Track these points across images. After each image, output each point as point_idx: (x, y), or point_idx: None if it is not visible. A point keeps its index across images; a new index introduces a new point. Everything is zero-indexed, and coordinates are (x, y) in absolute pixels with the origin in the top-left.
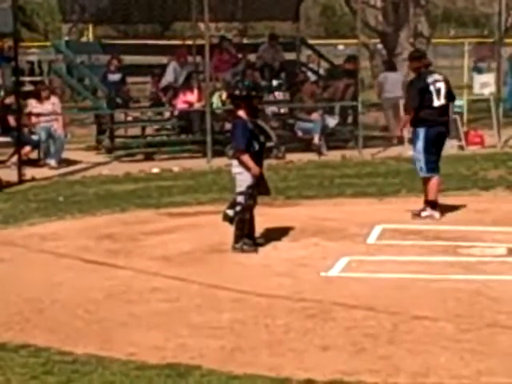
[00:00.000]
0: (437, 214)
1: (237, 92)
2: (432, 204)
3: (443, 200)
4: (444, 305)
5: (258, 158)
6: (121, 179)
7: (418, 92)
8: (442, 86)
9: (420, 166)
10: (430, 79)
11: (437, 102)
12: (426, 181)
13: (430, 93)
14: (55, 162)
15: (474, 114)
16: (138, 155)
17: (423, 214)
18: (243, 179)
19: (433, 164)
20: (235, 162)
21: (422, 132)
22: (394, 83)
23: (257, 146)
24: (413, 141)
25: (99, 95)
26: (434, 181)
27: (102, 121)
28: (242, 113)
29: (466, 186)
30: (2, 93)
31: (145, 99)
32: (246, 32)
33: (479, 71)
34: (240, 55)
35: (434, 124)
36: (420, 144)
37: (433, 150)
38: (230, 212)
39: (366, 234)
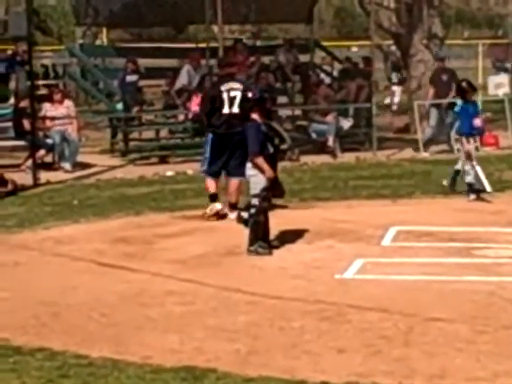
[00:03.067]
0: (219, 206)
1: (250, 95)
2: (232, 205)
3: (458, 201)
4: (459, 306)
5: (273, 161)
6: (135, 182)
7: (210, 99)
8: (237, 94)
9: (203, 166)
10: (224, 87)
11: (226, 110)
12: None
13: (222, 100)
14: (70, 166)
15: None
16: (152, 158)
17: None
18: (257, 182)
19: (214, 168)
20: (249, 165)
21: (209, 137)
22: None
23: (271, 149)
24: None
25: (116, 98)
26: (212, 181)
27: (117, 124)
28: (255, 115)
29: (480, 188)
30: (12, 98)
31: (159, 102)
32: (259, 34)
33: (505, 70)
34: (253, 58)
35: (221, 131)
36: (207, 148)
37: (219, 155)
38: (245, 214)
39: (380, 236)
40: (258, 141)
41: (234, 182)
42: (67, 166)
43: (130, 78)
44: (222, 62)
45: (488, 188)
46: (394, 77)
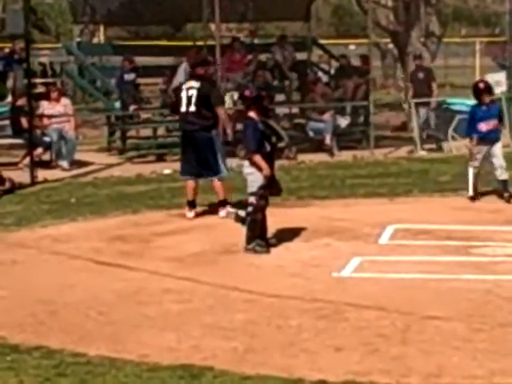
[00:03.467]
0: (190, 214)
1: (247, 93)
2: (190, 204)
3: (455, 199)
4: (456, 305)
5: (270, 159)
6: (132, 180)
7: (174, 97)
8: (194, 93)
9: (220, 167)
10: (184, 85)
11: (183, 108)
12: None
13: (180, 99)
14: (67, 164)
15: None
16: (149, 156)
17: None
18: (254, 180)
19: (185, 168)
20: (246, 163)
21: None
22: None
23: (268, 147)
24: None
25: (113, 96)
26: (190, 184)
27: (115, 122)
28: (252, 113)
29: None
30: (10, 97)
31: (156, 100)
32: (257, 32)
33: (504, 67)
34: (251, 56)
35: (183, 129)
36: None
37: (186, 154)
38: (242, 213)
39: (377, 234)
40: (255, 139)
41: (215, 181)
42: (64, 164)
43: (128, 76)
44: (195, 62)
45: (470, 192)
46: None
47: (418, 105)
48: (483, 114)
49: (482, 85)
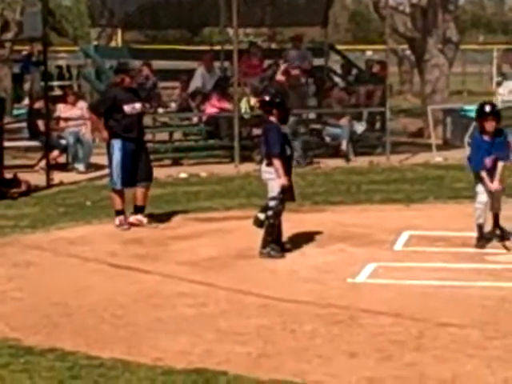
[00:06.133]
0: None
1: (268, 98)
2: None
3: (471, 206)
4: (471, 312)
5: (288, 163)
6: None
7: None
8: None
9: (113, 178)
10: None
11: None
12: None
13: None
14: (83, 167)
15: (504, 121)
16: (165, 160)
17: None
18: (275, 184)
19: (127, 177)
20: (265, 168)
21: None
22: None
23: (289, 151)
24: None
25: None
26: (114, 194)
27: None
28: (273, 118)
29: None
30: (27, 99)
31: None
32: (274, 37)
33: None
34: (270, 61)
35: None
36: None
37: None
38: (262, 216)
39: (393, 241)
40: (278, 142)
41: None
42: (81, 167)
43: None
44: (115, 69)
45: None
46: None
47: None
48: (487, 147)
49: (488, 108)
